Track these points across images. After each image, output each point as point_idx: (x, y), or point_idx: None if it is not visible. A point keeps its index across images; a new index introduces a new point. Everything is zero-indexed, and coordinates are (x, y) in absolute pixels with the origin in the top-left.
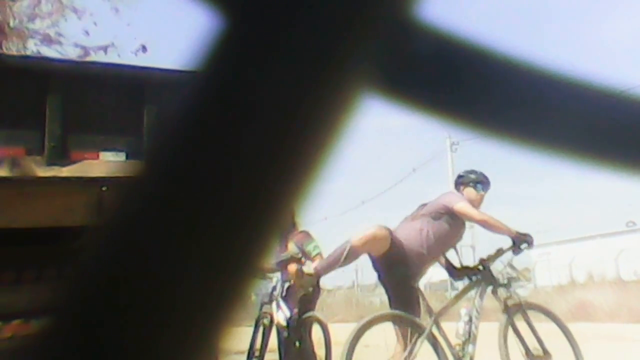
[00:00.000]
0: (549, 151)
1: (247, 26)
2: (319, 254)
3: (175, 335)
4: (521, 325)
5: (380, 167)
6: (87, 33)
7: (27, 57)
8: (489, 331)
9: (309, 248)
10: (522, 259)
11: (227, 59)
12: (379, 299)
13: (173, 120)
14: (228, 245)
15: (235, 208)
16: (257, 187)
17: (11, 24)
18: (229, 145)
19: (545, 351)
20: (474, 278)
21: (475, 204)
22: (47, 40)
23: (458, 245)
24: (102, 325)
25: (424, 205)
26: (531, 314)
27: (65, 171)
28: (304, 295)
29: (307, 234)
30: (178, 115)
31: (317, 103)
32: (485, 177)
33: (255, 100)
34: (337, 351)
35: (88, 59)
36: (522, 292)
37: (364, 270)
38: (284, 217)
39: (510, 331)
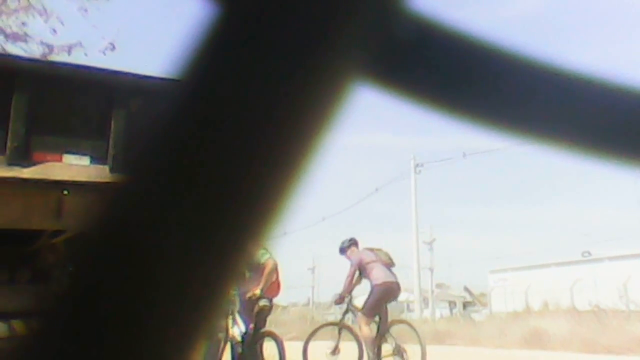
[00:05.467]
0: (537, 139)
1: (234, 20)
2: (269, 258)
3: (152, 343)
4: None
5: (343, 184)
6: (54, 31)
7: None
8: None
9: (258, 255)
10: (479, 284)
11: (213, 56)
12: (334, 317)
13: (155, 122)
14: (208, 251)
15: (218, 212)
16: (242, 189)
17: None
18: (213, 147)
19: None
20: None
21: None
22: (13, 37)
23: (417, 268)
24: (76, 330)
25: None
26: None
27: (26, 172)
28: (260, 311)
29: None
30: (161, 117)
31: (307, 97)
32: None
33: (245, 97)
34: None
35: (52, 57)
36: (478, 316)
37: (320, 288)
38: (270, 222)
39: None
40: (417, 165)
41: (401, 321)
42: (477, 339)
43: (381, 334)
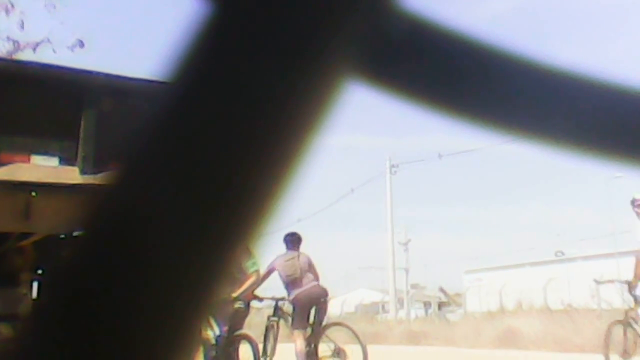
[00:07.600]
0: (527, 137)
1: (225, 19)
2: (257, 270)
3: (136, 348)
4: None
5: (318, 185)
6: (21, 27)
7: None
8: None
9: (247, 264)
10: (455, 285)
11: (202, 55)
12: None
13: (143, 123)
14: (193, 254)
15: (205, 215)
16: (230, 191)
17: None
18: (201, 148)
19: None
20: None
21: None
22: None
23: (392, 269)
24: (54, 334)
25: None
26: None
27: None
28: (235, 313)
29: (246, 249)
30: (149, 118)
31: (299, 97)
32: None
33: (235, 97)
34: None
35: (18, 53)
36: (453, 317)
37: None
38: (258, 224)
39: None
40: (392, 166)
41: (338, 324)
42: (452, 339)
43: (315, 335)
